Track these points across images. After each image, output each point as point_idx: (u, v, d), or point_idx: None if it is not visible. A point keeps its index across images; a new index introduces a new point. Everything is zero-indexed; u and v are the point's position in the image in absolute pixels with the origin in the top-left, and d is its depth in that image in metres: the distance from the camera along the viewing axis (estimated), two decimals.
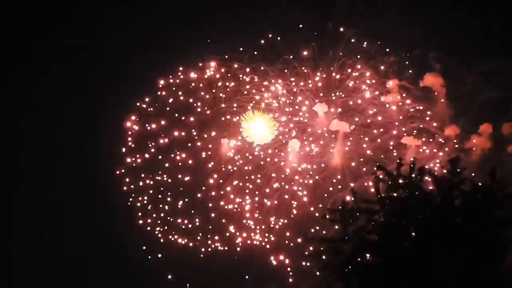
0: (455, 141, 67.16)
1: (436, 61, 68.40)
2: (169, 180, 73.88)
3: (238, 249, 71.84)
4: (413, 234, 26.13)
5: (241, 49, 70.83)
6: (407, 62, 69.69)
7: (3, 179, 73.25)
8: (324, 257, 26.85)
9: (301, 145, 68.83)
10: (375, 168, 27.94)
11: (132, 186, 74.42)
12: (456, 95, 67.71)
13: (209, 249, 72.33)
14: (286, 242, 69.89)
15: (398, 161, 27.59)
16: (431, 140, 68.06)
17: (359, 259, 26.53)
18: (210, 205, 72.95)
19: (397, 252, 25.85)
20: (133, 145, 75.03)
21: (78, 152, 75.46)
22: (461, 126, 66.89)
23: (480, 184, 26.27)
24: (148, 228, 73.37)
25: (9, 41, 74.99)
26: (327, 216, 27.61)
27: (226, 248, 72.21)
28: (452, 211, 26.20)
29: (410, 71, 69.99)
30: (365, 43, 70.90)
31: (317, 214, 67.20)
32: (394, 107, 69.18)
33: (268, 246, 71.36)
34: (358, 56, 70.42)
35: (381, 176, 27.45)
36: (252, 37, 70.38)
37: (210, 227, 73.05)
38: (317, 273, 27.12)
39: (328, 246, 26.70)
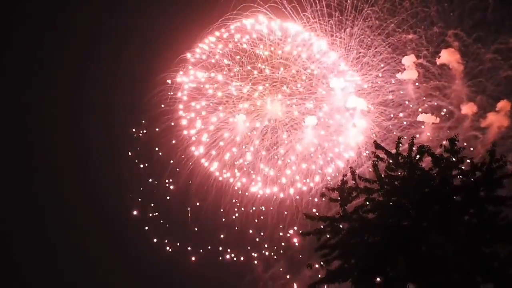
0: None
1: (454, 38, 67.75)
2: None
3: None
4: (411, 213, 26.19)
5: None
6: (424, 41, 68.79)
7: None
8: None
9: (317, 121, 67.93)
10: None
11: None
12: (474, 73, 67.06)
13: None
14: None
15: (397, 139, 27.64)
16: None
17: (357, 238, 26.68)
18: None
19: (396, 231, 25.95)
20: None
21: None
22: (479, 103, 66.21)
23: (479, 163, 26.30)
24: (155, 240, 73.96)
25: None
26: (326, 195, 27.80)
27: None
28: (451, 190, 26.24)
29: (429, 49, 69.18)
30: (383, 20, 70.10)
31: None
32: (415, 82, 68.65)
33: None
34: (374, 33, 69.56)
35: (380, 155, 27.59)
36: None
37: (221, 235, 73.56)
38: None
39: (327, 225, 26.87)
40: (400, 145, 27.52)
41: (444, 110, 67.89)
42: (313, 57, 69.54)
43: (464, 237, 25.13)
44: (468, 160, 27.23)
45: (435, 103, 68.05)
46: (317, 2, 69.05)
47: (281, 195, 69.84)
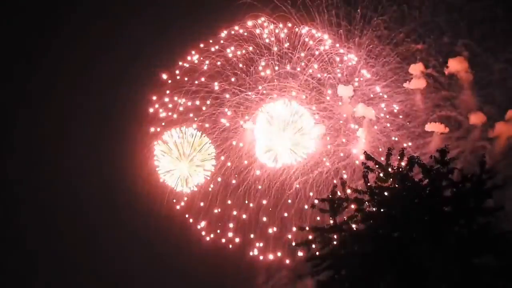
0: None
1: (463, 48, 67.63)
2: None
3: None
4: (401, 223, 26.16)
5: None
6: (433, 51, 68.67)
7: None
8: (313, 246, 27.13)
9: (325, 130, 67.38)
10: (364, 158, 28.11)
11: None
12: (483, 83, 66.96)
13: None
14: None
15: (387, 150, 27.70)
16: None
17: (348, 249, 26.69)
18: None
19: (386, 242, 25.93)
20: None
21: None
22: (487, 113, 66.00)
23: (469, 174, 26.29)
24: None
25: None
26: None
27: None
28: (441, 201, 26.23)
29: (438, 59, 69.05)
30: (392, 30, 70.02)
31: None
32: (423, 92, 68.49)
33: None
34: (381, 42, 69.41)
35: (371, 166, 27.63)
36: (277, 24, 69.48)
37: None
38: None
39: (317, 236, 26.90)
40: (391, 155, 27.56)
41: (453, 120, 67.71)
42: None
43: (454, 248, 25.08)
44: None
45: (444, 113, 67.87)
46: (326, 11, 69.15)
47: (287, 261, 62.72)
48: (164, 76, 66.55)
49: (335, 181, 62.87)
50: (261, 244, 63.78)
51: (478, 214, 25.68)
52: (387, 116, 68.91)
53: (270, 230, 63.67)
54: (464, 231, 25.77)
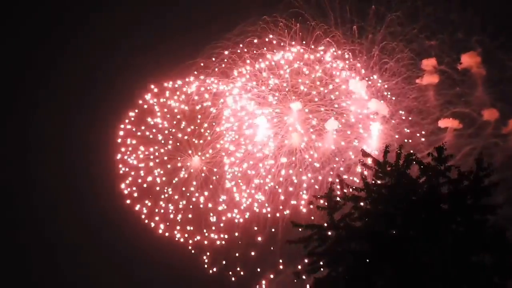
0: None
1: (476, 44, 67.21)
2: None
3: None
4: (399, 221, 26.15)
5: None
6: (446, 47, 68.20)
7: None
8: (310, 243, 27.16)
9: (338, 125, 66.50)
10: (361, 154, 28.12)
11: None
12: (496, 80, 66.41)
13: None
14: None
15: (385, 148, 27.68)
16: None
17: (345, 246, 26.70)
18: None
19: (383, 239, 25.93)
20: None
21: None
22: (501, 110, 65.43)
23: (466, 171, 26.20)
24: None
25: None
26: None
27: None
28: (438, 198, 26.16)
29: (451, 55, 68.57)
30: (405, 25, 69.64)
31: None
32: (436, 89, 68.05)
33: None
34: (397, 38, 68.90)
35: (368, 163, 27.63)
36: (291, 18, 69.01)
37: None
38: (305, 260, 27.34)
39: (314, 233, 26.94)
40: (389, 152, 27.55)
41: (466, 117, 67.25)
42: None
43: (451, 245, 25.05)
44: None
45: (457, 110, 67.47)
46: (339, 7, 68.97)
47: None
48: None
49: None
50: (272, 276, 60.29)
51: (476, 211, 25.61)
52: (400, 112, 68.48)
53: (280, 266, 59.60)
54: (461, 229, 25.74)
